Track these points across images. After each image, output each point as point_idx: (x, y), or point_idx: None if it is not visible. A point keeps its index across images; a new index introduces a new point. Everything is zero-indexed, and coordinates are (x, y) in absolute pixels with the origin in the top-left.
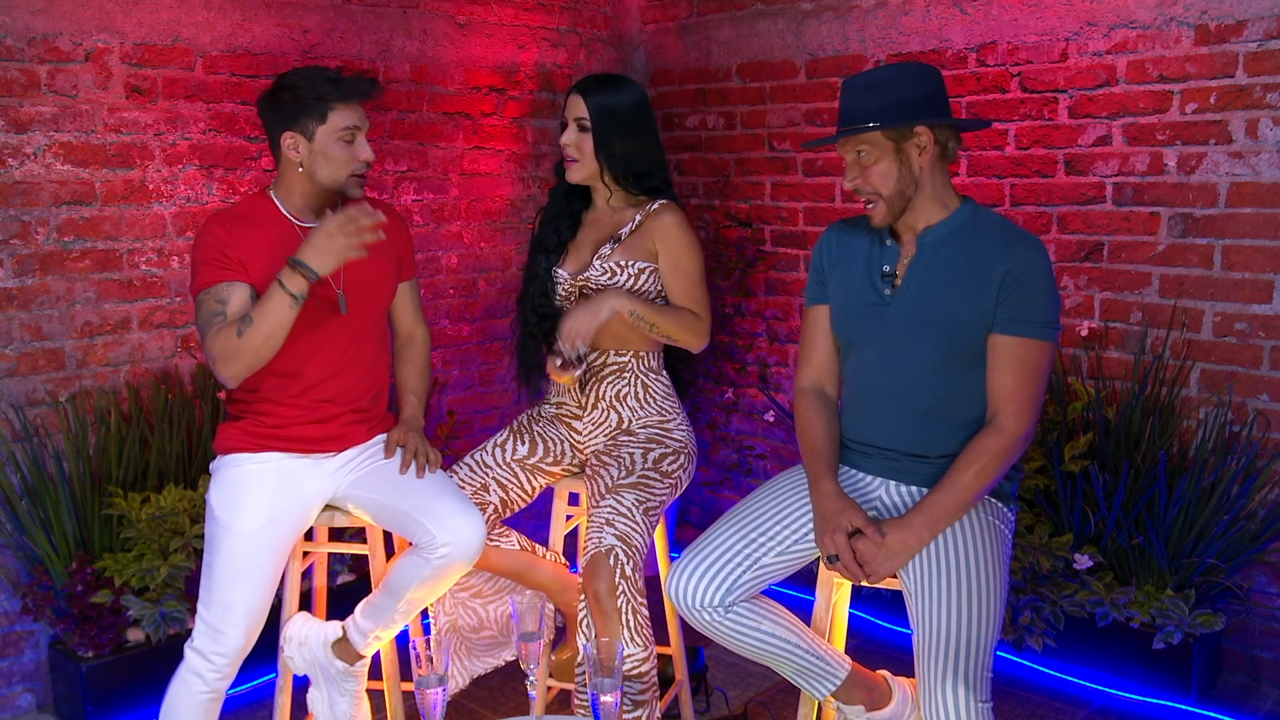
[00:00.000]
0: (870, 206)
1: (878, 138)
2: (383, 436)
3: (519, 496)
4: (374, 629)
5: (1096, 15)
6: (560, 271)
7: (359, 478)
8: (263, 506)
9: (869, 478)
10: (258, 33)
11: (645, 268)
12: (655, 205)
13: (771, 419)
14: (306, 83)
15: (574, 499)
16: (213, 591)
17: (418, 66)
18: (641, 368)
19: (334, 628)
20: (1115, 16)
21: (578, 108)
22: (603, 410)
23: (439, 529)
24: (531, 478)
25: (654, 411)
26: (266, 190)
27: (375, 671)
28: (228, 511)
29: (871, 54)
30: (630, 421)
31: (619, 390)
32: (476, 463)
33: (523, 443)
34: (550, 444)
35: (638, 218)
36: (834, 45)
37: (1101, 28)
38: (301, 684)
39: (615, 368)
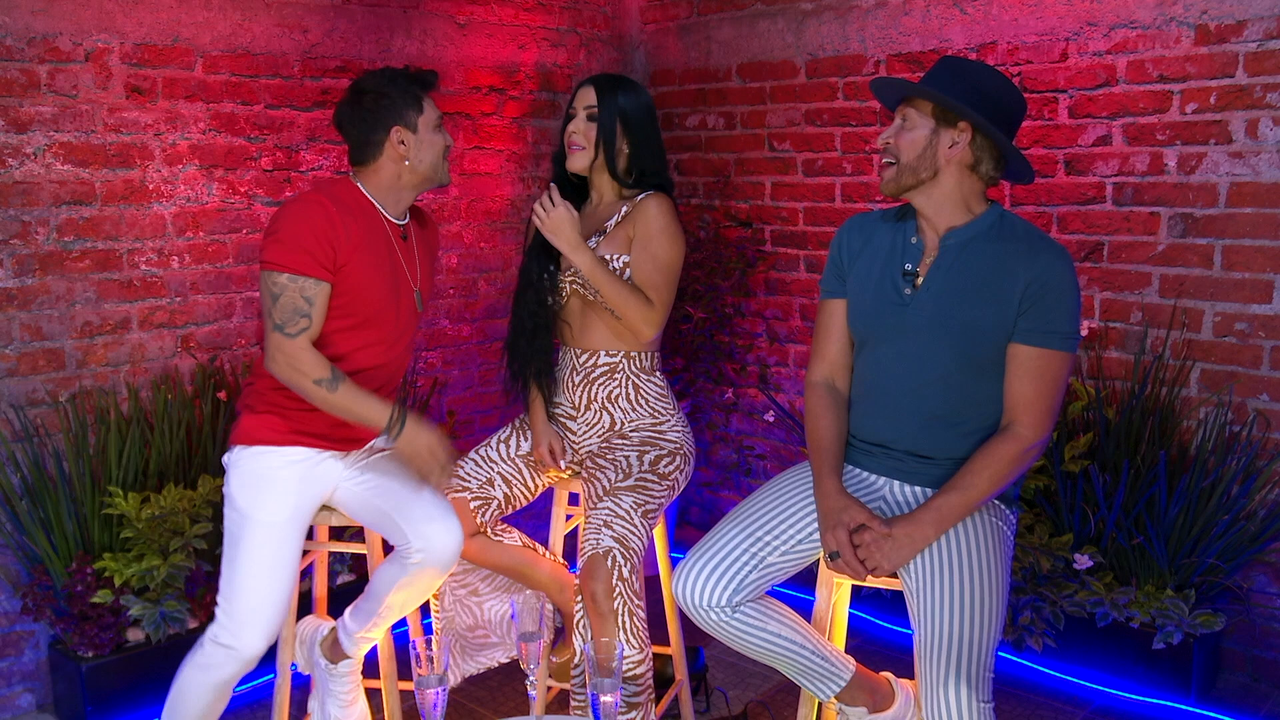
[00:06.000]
0: (885, 167)
1: (926, 109)
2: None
3: (522, 493)
4: (359, 630)
5: (1096, 15)
6: (553, 268)
7: (357, 472)
8: (288, 498)
9: (874, 477)
10: (258, 33)
11: (630, 261)
12: (643, 195)
13: (771, 419)
14: (391, 82)
15: (574, 499)
16: (235, 585)
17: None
18: (633, 368)
19: (326, 626)
20: (1115, 16)
21: (588, 97)
22: (595, 412)
23: (414, 534)
24: (535, 475)
25: (646, 414)
26: (350, 179)
27: (373, 671)
28: (250, 502)
29: (871, 54)
30: (623, 424)
31: (610, 391)
32: (481, 458)
33: (525, 439)
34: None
35: (624, 209)
36: (834, 45)
37: (1101, 28)
38: (301, 683)
39: (606, 368)
